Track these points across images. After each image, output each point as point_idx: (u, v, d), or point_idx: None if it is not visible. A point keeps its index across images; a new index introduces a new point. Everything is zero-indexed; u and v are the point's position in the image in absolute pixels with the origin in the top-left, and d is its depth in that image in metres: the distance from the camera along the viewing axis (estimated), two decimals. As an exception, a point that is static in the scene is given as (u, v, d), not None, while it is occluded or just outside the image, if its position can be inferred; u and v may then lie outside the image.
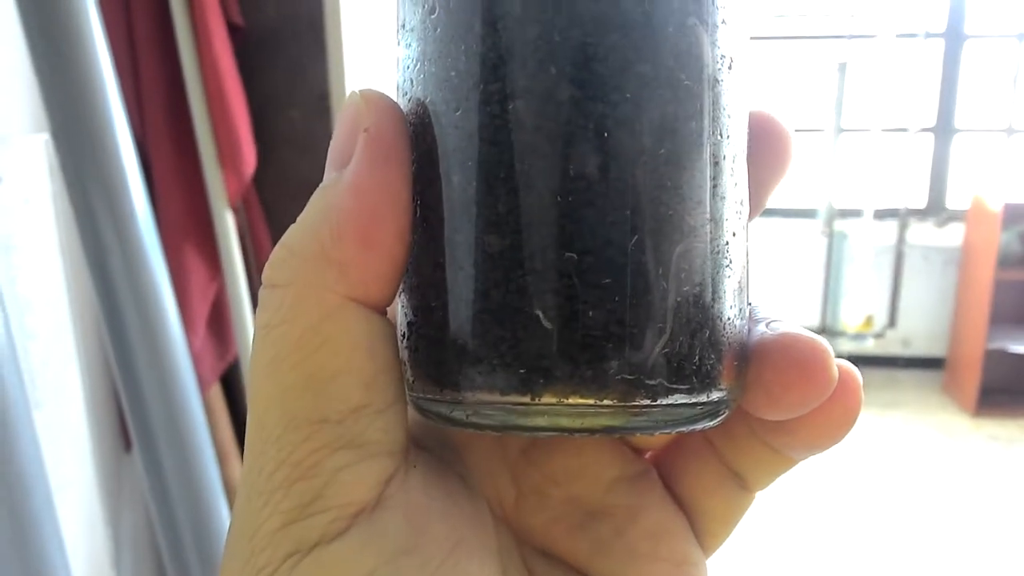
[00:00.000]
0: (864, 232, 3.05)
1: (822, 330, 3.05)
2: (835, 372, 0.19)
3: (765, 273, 3.12)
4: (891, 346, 3.18)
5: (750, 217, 0.20)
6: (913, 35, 2.98)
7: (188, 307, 1.17)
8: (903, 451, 2.57)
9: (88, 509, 1.13)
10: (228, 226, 1.20)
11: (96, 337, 1.15)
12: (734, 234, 0.19)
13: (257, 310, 0.19)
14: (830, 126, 2.96)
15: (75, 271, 1.06)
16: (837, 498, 2.29)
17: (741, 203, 0.19)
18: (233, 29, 1.19)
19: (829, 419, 0.19)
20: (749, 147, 0.20)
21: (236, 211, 1.23)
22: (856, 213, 3.07)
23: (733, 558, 1.98)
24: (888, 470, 2.45)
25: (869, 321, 3.07)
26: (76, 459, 1.10)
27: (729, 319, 0.19)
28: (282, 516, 0.18)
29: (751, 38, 0.20)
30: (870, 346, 3.10)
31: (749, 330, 0.20)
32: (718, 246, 0.18)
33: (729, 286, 0.19)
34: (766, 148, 0.21)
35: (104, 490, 1.16)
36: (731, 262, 0.19)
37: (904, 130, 3.02)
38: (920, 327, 3.17)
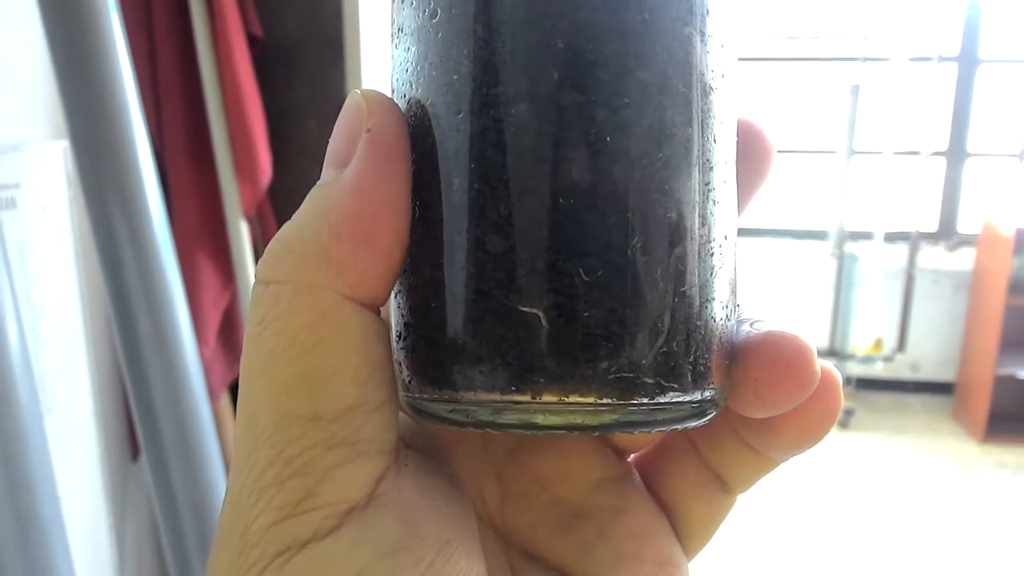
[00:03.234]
0: (875, 255, 3.05)
1: (831, 352, 3.03)
2: (818, 369, 0.19)
3: (775, 294, 3.11)
4: (900, 370, 3.16)
5: None
6: (927, 59, 2.99)
7: (200, 316, 1.17)
8: (910, 477, 2.55)
9: (93, 516, 1.13)
10: (243, 236, 1.21)
11: (108, 344, 1.15)
12: (726, 236, 0.19)
13: (250, 307, 0.19)
14: (842, 148, 2.96)
15: (89, 278, 1.06)
16: (843, 523, 2.27)
17: (731, 207, 0.20)
18: (253, 40, 1.20)
19: (811, 417, 0.20)
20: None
21: (251, 221, 1.24)
22: (867, 235, 3.06)
23: (738, 580, 1.97)
24: (894, 496, 2.43)
25: (878, 344, 3.06)
26: (83, 466, 1.10)
27: (721, 319, 0.19)
28: (274, 513, 0.17)
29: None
30: (879, 369, 3.09)
31: (736, 329, 0.20)
32: (711, 248, 0.19)
33: (721, 287, 0.19)
34: (749, 154, 0.21)
35: (110, 498, 1.16)
36: (723, 263, 0.19)
37: (916, 153, 3.02)
38: (929, 351, 3.16)
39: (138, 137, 0.73)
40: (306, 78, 1.24)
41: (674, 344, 0.18)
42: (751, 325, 0.20)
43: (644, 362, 0.18)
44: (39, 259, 0.97)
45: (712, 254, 0.19)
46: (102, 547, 1.14)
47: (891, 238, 3.06)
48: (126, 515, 1.24)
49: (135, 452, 1.25)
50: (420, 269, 0.19)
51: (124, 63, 0.72)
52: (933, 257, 3.10)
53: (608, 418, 0.18)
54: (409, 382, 0.19)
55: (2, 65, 0.98)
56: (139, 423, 0.78)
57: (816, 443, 0.21)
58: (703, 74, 0.18)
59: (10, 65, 0.99)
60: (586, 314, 0.17)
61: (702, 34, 0.18)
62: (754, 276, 3.02)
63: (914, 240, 3.01)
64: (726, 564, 2.02)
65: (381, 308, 0.19)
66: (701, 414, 0.19)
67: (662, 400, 0.18)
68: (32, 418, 0.60)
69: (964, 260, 3.07)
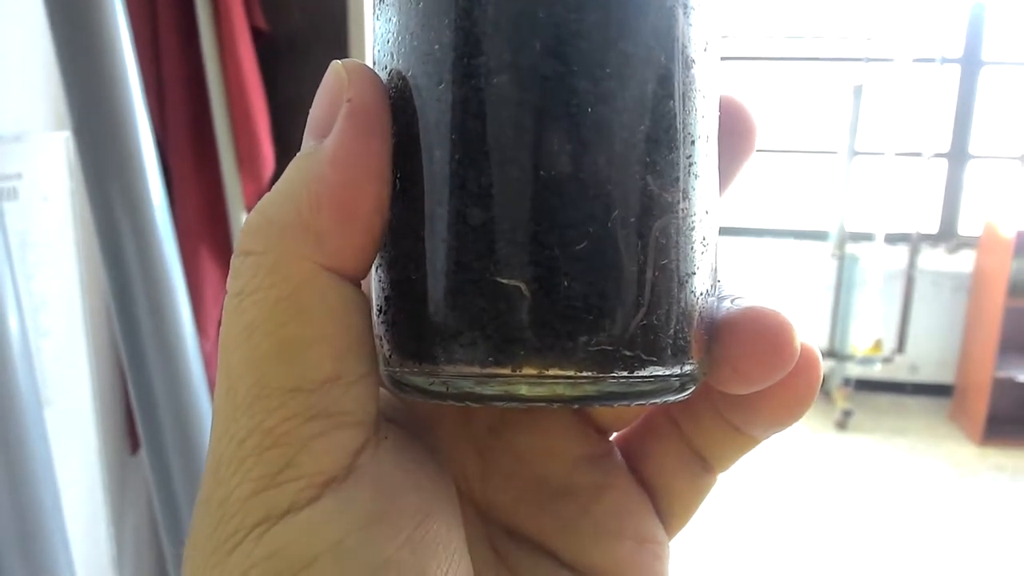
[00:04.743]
0: (875, 256, 3.05)
1: (830, 353, 3.03)
2: (798, 345, 0.19)
3: (775, 294, 3.11)
4: (899, 371, 3.17)
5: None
6: (930, 60, 2.99)
7: (201, 309, 1.17)
8: (908, 479, 2.55)
9: (91, 508, 1.12)
10: (243, 229, 1.20)
11: (108, 336, 1.15)
12: (707, 212, 0.19)
13: (230, 277, 0.19)
14: (844, 148, 2.96)
15: (90, 270, 1.06)
16: (840, 524, 2.27)
17: (713, 182, 0.20)
18: (257, 32, 1.19)
19: (791, 393, 0.20)
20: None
21: (252, 214, 1.24)
22: (868, 237, 3.06)
23: (736, 580, 1.97)
24: (892, 498, 2.43)
25: (878, 345, 3.06)
26: (82, 458, 1.09)
27: (701, 294, 0.19)
28: (253, 483, 0.17)
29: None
30: (878, 370, 3.09)
31: (717, 305, 0.20)
32: (693, 222, 0.19)
33: (702, 262, 0.19)
34: (732, 131, 0.21)
35: (108, 490, 1.15)
36: (704, 238, 0.19)
37: (918, 155, 3.02)
38: (929, 353, 3.16)
39: (141, 128, 0.73)
40: (310, 71, 1.24)
41: (654, 318, 0.18)
42: (732, 301, 0.20)
43: (623, 335, 0.17)
44: (40, 250, 0.97)
45: (693, 228, 0.19)
46: (101, 539, 1.14)
47: (892, 239, 3.06)
48: (125, 508, 1.24)
49: (135, 446, 1.25)
50: (400, 241, 0.19)
51: (127, 54, 0.72)
52: (933, 259, 3.11)
53: (588, 391, 0.18)
54: (390, 356, 0.19)
55: (4, 55, 0.97)
56: (139, 416, 0.78)
57: (796, 420, 0.21)
58: (685, 47, 0.18)
59: (13, 54, 0.98)
60: (566, 286, 0.17)
61: (684, 6, 0.18)
62: (754, 276, 3.02)
63: (915, 242, 3.01)
64: (724, 564, 2.03)
65: (363, 284, 0.19)
66: (680, 389, 0.19)
67: (641, 374, 0.18)
68: (32, 409, 0.60)
69: (964, 262, 3.07)
